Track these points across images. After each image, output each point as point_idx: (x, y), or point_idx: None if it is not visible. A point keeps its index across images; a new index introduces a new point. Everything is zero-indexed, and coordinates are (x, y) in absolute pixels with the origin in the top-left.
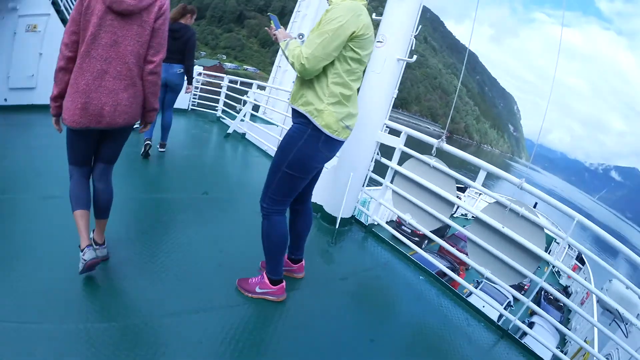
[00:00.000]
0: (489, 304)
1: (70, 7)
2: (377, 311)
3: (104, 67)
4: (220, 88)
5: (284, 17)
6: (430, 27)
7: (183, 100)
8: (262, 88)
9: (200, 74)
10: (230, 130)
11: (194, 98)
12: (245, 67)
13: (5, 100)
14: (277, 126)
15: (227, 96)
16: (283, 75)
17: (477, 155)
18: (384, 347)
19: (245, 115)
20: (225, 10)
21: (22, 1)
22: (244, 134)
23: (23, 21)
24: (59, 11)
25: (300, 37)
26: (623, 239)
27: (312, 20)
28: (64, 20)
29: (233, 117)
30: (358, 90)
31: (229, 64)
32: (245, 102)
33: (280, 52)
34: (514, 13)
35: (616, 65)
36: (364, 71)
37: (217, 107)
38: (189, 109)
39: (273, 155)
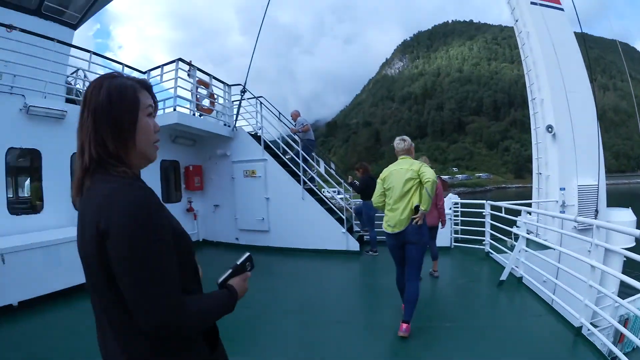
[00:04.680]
0: None
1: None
2: None
3: None
4: (483, 217)
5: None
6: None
7: (444, 237)
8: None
9: (457, 204)
10: (504, 276)
11: (455, 233)
12: (477, 174)
13: (237, 239)
14: (554, 249)
15: (493, 226)
16: (547, 183)
17: None
18: None
19: (520, 252)
20: (442, 122)
21: (233, 148)
22: (520, 278)
23: (239, 167)
24: (275, 155)
25: (549, 129)
26: None
27: (551, 107)
28: (284, 165)
29: (504, 248)
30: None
31: (460, 175)
32: (517, 237)
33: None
34: None
35: None
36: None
37: (483, 240)
38: (452, 246)
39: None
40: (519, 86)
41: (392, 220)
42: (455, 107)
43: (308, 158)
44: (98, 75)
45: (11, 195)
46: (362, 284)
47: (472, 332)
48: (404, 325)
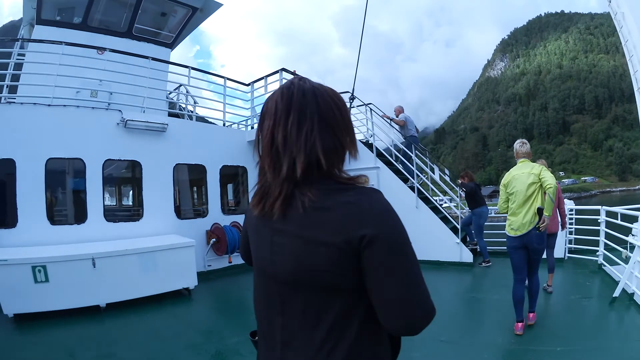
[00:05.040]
0: None
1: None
2: None
3: None
4: (598, 225)
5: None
6: None
7: (558, 247)
8: None
9: (572, 210)
10: (616, 292)
11: (569, 243)
12: (583, 178)
13: None
14: None
15: (608, 234)
16: None
17: None
18: None
19: (635, 264)
20: (547, 123)
21: None
22: (632, 294)
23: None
24: (389, 163)
25: None
26: None
27: None
28: (396, 172)
29: (619, 260)
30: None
31: (567, 180)
32: (633, 248)
33: None
34: None
35: None
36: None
37: (597, 250)
38: (566, 257)
39: None
40: (617, 78)
41: (515, 223)
42: (558, 107)
43: (420, 163)
44: (199, 89)
45: (114, 204)
46: (473, 299)
47: (580, 357)
48: (530, 315)
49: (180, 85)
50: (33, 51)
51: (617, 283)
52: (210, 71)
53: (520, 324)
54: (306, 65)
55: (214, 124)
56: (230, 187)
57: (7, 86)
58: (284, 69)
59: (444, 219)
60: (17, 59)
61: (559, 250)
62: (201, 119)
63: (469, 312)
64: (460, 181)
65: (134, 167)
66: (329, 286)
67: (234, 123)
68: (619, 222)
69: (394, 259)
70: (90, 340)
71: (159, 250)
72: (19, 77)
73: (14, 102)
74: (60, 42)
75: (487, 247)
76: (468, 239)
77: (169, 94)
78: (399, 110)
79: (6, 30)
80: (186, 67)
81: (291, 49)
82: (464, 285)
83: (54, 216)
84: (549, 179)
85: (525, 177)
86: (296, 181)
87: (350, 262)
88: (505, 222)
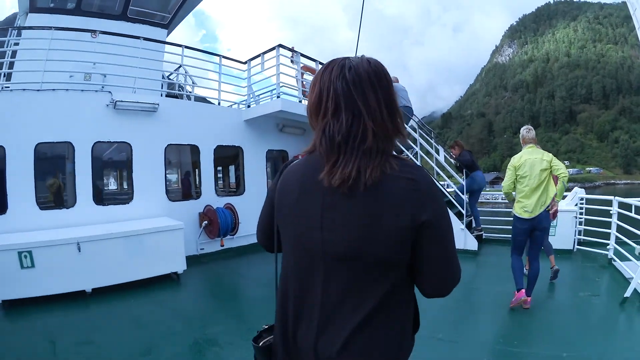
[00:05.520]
0: None
1: None
2: None
3: None
4: (610, 217)
5: None
6: None
7: (567, 237)
8: None
9: (583, 199)
10: (628, 292)
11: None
12: (588, 169)
13: None
14: None
15: (620, 227)
16: None
17: None
18: None
19: None
20: (554, 111)
21: None
22: None
23: None
24: None
25: None
26: None
27: None
28: (400, 153)
29: (631, 256)
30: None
31: (571, 169)
32: None
33: None
34: None
35: None
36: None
37: (607, 244)
38: (574, 249)
39: None
40: (625, 70)
41: (530, 206)
42: (565, 95)
43: (424, 143)
44: (201, 70)
45: (104, 187)
46: (474, 291)
47: None
48: (527, 299)
49: (180, 66)
50: (25, 38)
51: (627, 280)
52: (207, 50)
53: (522, 291)
54: (314, 48)
55: (212, 103)
56: (225, 168)
57: (4, 75)
58: (281, 45)
59: (449, 204)
60: (11, 48)
61: (568, 242)
62: (201, 99)
63: (469, 306)
64: (453, 153)
65: (124, 148)
66: (387, 262)
67: (235, 103)
68: (632, 214)
69: (443, 238)
70: (72, 326)
71: (146, 233)
72: (15, 65)
73: (6, 90)
74: (49, 28)
75: (489, 235)
76: (473, 224)
77: (169, 75)
78: (394, 80)
79: (8, 21)
80: (179, 46)
81: (299, 33)
82: (466, 275)
83: (43, 201)
84: (562, 168)
85: (539, 163)
86: (371, 153)
87: (411, 239)
88: (503, 208)
